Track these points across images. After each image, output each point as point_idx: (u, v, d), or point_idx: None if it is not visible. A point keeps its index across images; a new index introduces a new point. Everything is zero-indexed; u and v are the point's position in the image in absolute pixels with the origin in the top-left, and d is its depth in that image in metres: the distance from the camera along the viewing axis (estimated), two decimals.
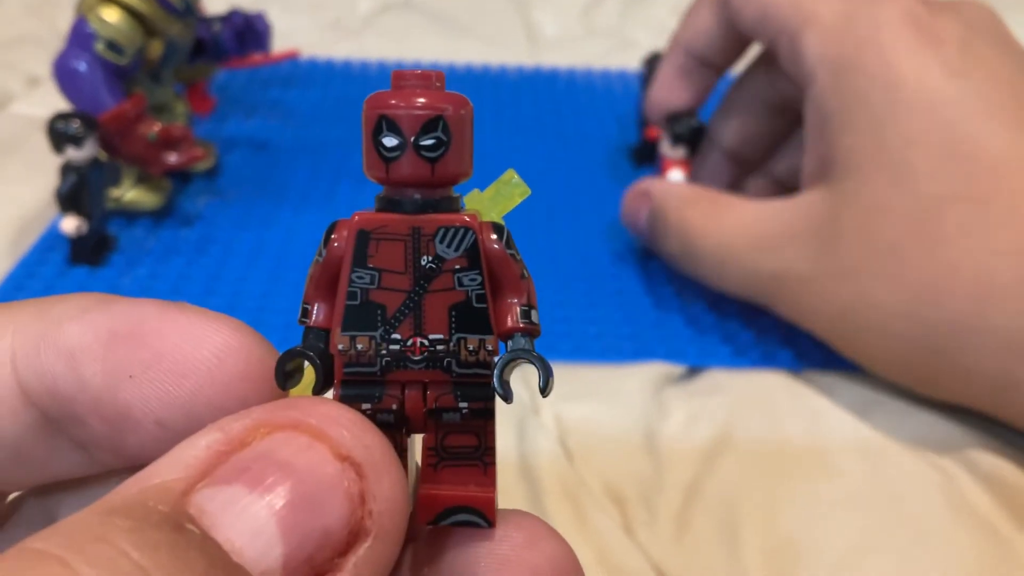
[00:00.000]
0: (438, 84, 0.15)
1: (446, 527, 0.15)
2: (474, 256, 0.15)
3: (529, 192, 0.16)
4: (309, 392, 0.15)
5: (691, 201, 0.39)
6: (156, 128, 0.40)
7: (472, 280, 0.15)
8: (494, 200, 0.16)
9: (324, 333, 0.15)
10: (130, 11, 0.40)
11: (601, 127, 0.57)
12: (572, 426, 0.34)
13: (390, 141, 0.14)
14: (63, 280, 0.40)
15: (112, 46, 0.40)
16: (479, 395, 0.15)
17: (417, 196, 0.15)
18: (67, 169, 0.39)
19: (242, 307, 0.39)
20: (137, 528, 0.11)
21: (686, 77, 0.44)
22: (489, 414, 0.15)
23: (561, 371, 0.37)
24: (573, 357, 0.37)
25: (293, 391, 0.15)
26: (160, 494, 0.12)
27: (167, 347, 0.15)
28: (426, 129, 0.14)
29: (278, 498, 0.12)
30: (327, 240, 0.15)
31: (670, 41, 0.45)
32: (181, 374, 0.15)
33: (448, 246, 0.15)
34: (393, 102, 0.15)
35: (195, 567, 0.11)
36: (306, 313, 0.15)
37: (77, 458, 0.16)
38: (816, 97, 0.35)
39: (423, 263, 0.15)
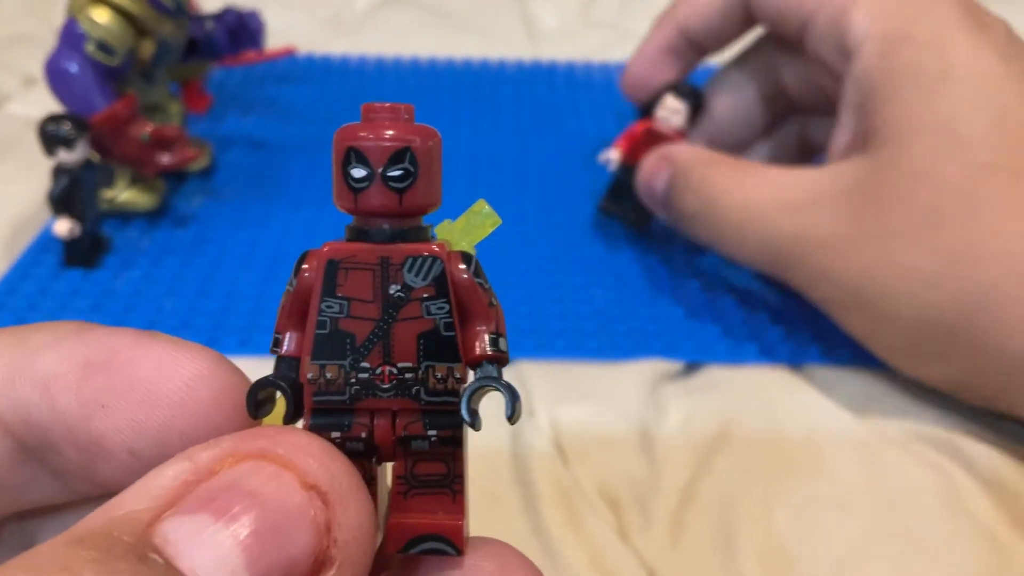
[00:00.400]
0: (407, 116, 0.15)
1: (416, 555, 0.15)
2: (442, 285, 0.15)
3: (500, 222, 0.16)
4: (280, 421, 0.15)
5: (715, 162, 0.39)
6: (148, 129, 0.40)
7: (440, 308, 0.15)
8: (465, 230, 0.16)
9: (295, 362, 0.15)
10: (120, 11, 0.39)
11: (599, 121, 0.56)
12: (567, 427, 0.34)
13: (358, 172, 0.15)
14: (57, 283, 0.40)
15: (102, 47, 0.39)
16: (447, 423, 0.15)
17: (386, 226, 0.15)
18: (59, 171, 0.39)
19: (236, 309, 0.39)
20: (101, 558, 0.11)
21: (672, 55, 0.43)
22: (457, 442, 0.15)
23: (557, 369, 0.37)
24: (569, 354, 0.37)
25: (265, 420, 0.15)
26: (126, 524, 0.12)
27: (139, 377, 0.15)
28: (394, 160, 0.15)
29: (243, 527, 0.12)
30: (297, 270, 0.15)
31: (662, 14, 0.43)
32: (153, 404, 0.15)
33: (416, 275, 0.15)
34: (362, 134, 0.15)
35: None
36: (277, 343, 0.15)
37: (54, 485, 0.16)
38: (860, 71, 0.35)
39: (391, 292, 0.15)
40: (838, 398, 0.36)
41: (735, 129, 0.43)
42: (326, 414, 0.15)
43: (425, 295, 0.15)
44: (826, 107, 0.39)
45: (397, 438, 0.15)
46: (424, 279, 0.15)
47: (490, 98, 0.59)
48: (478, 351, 0.15)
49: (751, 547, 0.30)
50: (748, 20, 0.41)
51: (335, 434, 0.15)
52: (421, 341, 0.15)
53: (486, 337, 0.15)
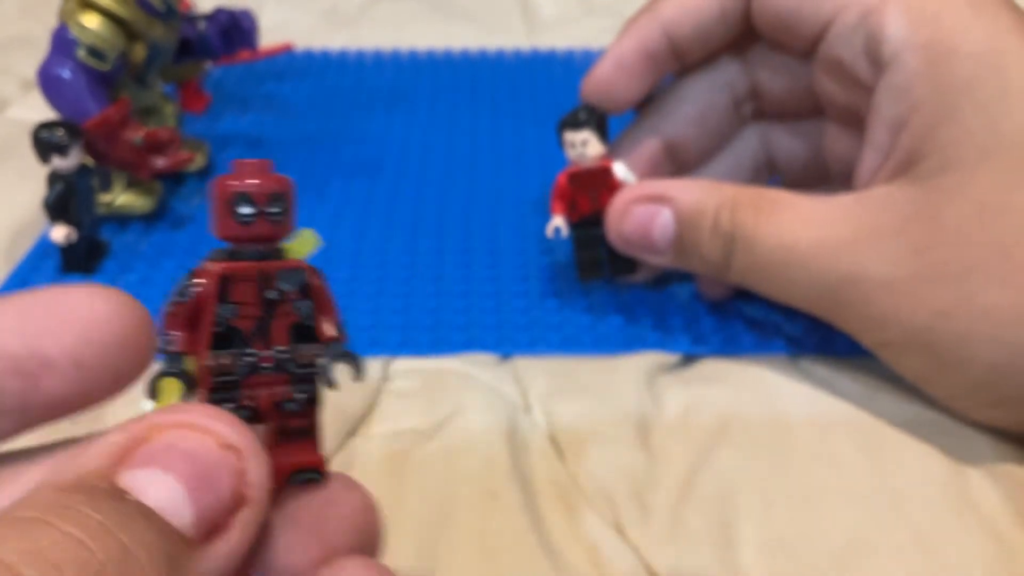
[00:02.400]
0: (271, 169, 0.20)
1: (293, 486, 0.20)
2: (305, 289, 0.20)
3: (323, 243, 0.21)
4: (170, 402, 0.19)
5: (740, 197, 0.34)
6: (141, 133, 0.40)
7: (305, 306, 0.20)
8: (298, 250, 0.21)
9: (183, 357, 0.20)
10: (110, 16, 0.39)
11: None
12: (564, 422, 0.34)
13: (246, 210, 0.19)
14: None
15: (94, 52, 0.39)
16: (309, 388, 0.20)
17: (259, 248, 0.20)
18: (54, 178, 0.39)
19: None
20: (90, 499, 0.15)
21: (651, 63, 0.37)
22: (316, 401, 0.20)
23: (552, 365, 0.37)
24: (564, 349, 0.37)
25: (157, 406, 0.19)
26: (94, 476, 0.16)
27: (73, 307, 0.18)
28: (272, 201, 0.20)
29: (184, 475, 0.17)
30: (191, 285, 0.19)
31: (639, 13, 0.38)
32: (89, 327, 0.18)
33: (287, 283, 0.20)
34: (248, 182, 0.19)
35: (139, 522, 0.15)
36: (169, 342, 0.19)
37: None
38: (899, 84, 0.31)
39: (269, 296, 0.20)
40: (838, 388, 0.36)
41: (699, 139, 0.39)
42: (221, 391, 0.20)
43: (294, 297, 0.20)
44: (810, 113, 0.37)
45: (275, 403, 0.20)
46: (293, 285, 0.20)
47: (489, 88, 0.59)
48: (329, 334, 0.21)
49: (751, 540, 0.30)
50: (744, 24, 0.36)
51: (229, 406, 0.19)
52: (292, 330, 0.20)
53: (334, 324, 0.21)
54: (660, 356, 0.37)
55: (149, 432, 0.17)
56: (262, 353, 0.20)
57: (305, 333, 0.20)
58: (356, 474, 0.31)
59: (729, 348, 0.37)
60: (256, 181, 0.20)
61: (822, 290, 0.33)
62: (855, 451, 0.33)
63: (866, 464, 0.33)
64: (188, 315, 0.19)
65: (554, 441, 0.34)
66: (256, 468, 0.18)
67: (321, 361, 0.20)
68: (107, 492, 0.16)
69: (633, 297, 0.40)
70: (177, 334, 0.20)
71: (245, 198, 0.19)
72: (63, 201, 0.39)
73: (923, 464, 0.32)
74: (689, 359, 0.37)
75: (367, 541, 0.21)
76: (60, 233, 0.39)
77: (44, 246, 0.43)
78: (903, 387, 0.35)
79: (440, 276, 0.42)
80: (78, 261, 0.41)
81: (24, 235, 0.45)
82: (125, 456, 0.16)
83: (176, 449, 0.17)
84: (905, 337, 0.32)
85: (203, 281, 0.19)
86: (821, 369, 0.37)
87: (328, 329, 0.21)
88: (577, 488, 0.32)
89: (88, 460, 0.16)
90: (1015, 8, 0.32)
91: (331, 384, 0.21)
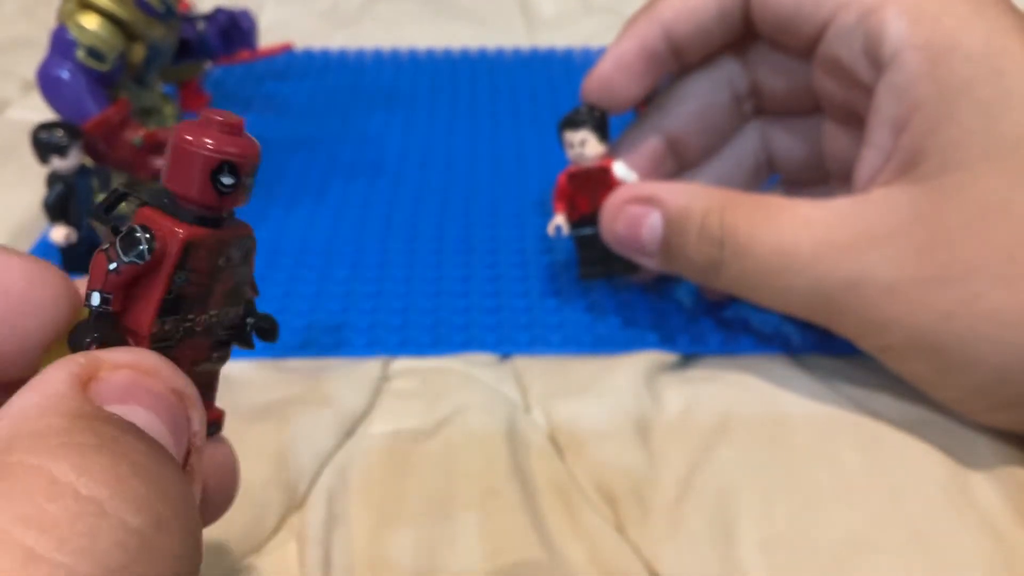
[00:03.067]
0: (244, 129, 0.19)
1: None
2: (251, 257, 0.20)
3: None
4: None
5: (731, 202, 0.34)
6: (141, 133, 0.40)
7: (243, 271, 0.20)
8: None
9: (115, 317, 0.19)
10: (109, 16, 0.39)
11: None
12: (563, 422, 0.34)
13: (229, 180, 0.18)
14: None
15: (93, 53, 0.39)
16: (226, 350, 0.21)
17: (224, 215, 0.19)
18: (53, 179, 0.39)
19: None
20: (87, 424, 0.15)
21: (651, 62, 0.37)
22: (226, 360, 0.21)
23: (552, 364, 0.37)
24: (564, 349, 0.37)
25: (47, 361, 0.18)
26: (78, 404, 0.16)
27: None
28: (251, 172, 0.19)
29: (161, 415, 0.17)
30: (150, 246, 0.18)
31: (639, 13, 0.38)
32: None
33: (237, 251, 0.20)
34: (237, 151, 0.18)
35: (130, 439, 0.16)
36: (108, 301, 0.18)
37: None
38: (900, 84, 0.31)
39: (219, 263, 0.19)
40: (838, 387, 0.36)
41: (700, 136, 0.39)
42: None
43: (237, 263, 0.20)
44: (810, 111, 0.37)
45: (191, 362, 0.20)
46: (242, 253, 0.20)
47: (489, 88, 0.59)
48: (250, 295, 0.21)
49: (751, 538, 0.30)
50: (743, 24, 0.36)
51: None
52: (226, 295, 0.20)
53: (253, 284, 0.21)
54: (660, 356, 0.37)
55: (96, 367, 0.17)
56: (199, 319, 0.19)
57: (239, 296, 0.20)
58: (356, 474, 0.32)
59: (729, 348, 0.37)
60: (244, 151, 0.18)
61: (820, 295, 0.32)
62: (855, 450, 0.33)
63: (866, 463, 0.33)
64: (133, 276, 0.18)
65: (554, 440, 0.34)
66: (199, 416, 0.18)
67: (249, 321, 0.21)
68: (97, 415, 0.16)
69: (633, 297, 0.40)
70: (115, 294, 0.18)
71: (231, 168, 0.18)
72: (63, 202, 0.39)
73: (923, 464, 0.32)
74: (689, 358, 0.37)
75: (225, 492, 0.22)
76: (60, 234, 0.39)
77: (44, 247, 0.43)
78: (903, 387, 0.35)
79: (440, 276, 0.42)
80: (78, 262, 0.41)
81: (24, 235, 0.45)
82: (78, 389, 0.16)
83: (142, 389, 0.17)
84: (908, 340, 0.31)
85: (166, 245, 0.18)
86: (821, 368, 0.37)
87: (250, 291, 0.21)
88: (577, 487, 0.32)
89: (53, 387, 0.16)
90: (1015, 9, 0.32)
91: (250, 345, 0.21)
